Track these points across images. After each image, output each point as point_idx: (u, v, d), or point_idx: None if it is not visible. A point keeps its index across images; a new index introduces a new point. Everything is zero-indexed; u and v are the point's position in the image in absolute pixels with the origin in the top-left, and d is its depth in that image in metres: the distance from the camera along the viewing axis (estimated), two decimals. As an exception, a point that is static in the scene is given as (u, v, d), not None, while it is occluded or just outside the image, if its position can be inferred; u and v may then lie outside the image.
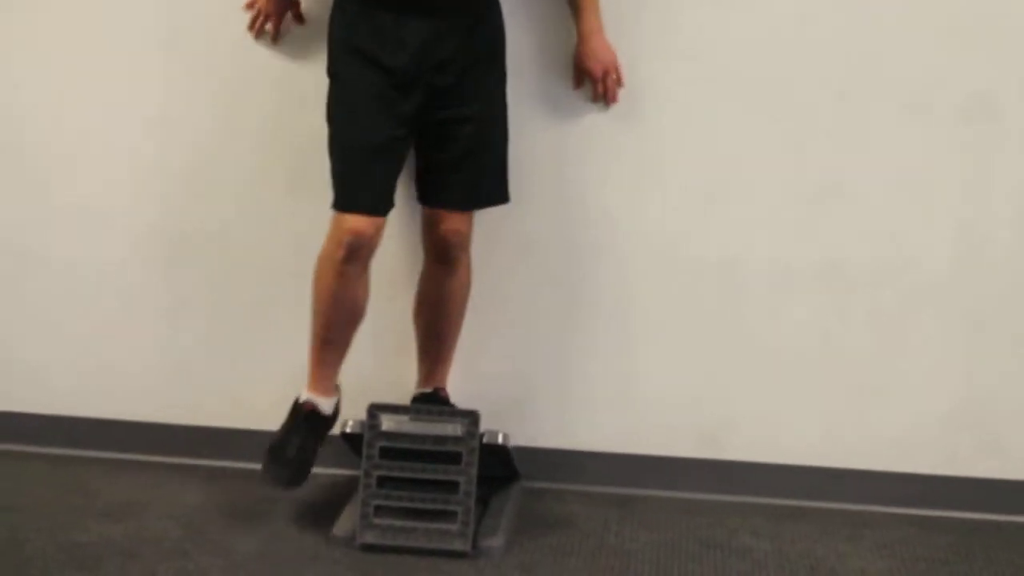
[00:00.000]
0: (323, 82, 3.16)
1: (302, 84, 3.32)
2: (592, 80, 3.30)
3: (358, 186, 3.10)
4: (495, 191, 3.24)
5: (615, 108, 3.33)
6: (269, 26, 3.35)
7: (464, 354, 3.37)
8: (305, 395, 3.19)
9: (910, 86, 3.30)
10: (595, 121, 3.35)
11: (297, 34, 3.37)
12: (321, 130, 3.14)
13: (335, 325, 3.17)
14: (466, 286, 3.31)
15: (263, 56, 3.38)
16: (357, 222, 3.07)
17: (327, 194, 3.12)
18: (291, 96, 3.37)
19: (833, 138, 3.33)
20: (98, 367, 3.53)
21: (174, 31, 3.41)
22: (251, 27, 3.36)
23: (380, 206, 3.11)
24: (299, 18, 3.36)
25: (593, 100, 3.33)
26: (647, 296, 3.42)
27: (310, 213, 3.28)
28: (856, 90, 3.31)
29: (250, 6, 3.36)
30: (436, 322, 3.33)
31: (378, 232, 3.11)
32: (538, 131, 3.34)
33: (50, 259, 3.50)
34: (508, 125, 3.21)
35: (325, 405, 3.20)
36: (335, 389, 3.23)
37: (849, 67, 3.31)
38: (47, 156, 3.48)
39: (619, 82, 3.29)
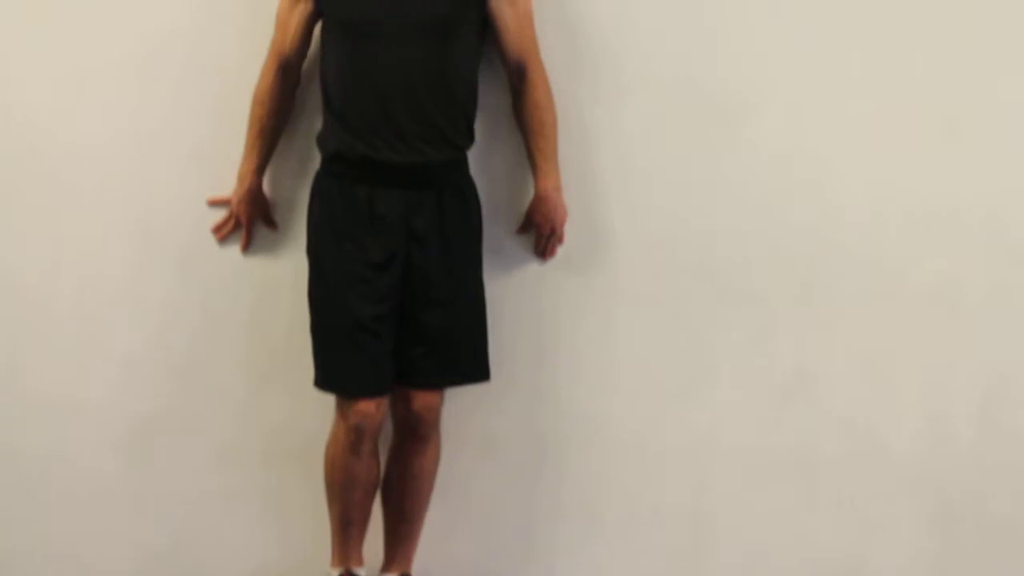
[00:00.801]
0: (295, 269, 3.23)
1: (279, 272, 3.36)
2: (537, 233, 3.34)
3: (356, 371, 3.14)
4: (473, 369, 3.24)
5: (584, 300, 3.38)
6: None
7: (430, 540, 3.35)
8: (335, 572, 3.23)
9: (875, 273, 3.37)
10: (564, 312, 3.39)
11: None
12: (295, 316, 3.19)
13: (356, 505, 3.22)
14: (436, 463, 3.31)
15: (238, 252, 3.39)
16: (363, 406, 3.13)
17: (300, 380, 3.14)
18: (267, 285, 3.39)
19: (799, 326, 3.38)
20: (65, 557, 3.47)
21: (145, 226, 3.40)
22: (217, 230, 3.36)
23: (383, 386, 3.15)
24: (271, 224, 3.36)
25: (533, 251, 3.37)
26: (613, 488, 3.43)
27: (284, 401, 3.31)
28: (821, 277, 3.37)
29: (216, 203, 3.36)
30: (405, 502, 3.31)
31: (383, 408, 3.16)
32: (505, 319, 3.36)
33: (22, 450, 3.46)
34: (485, 300, 3.23)
35: (362, 572, 3.25)
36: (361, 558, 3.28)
37: (814, 254, 3.37)
38: (16, 344, 3.45)
39: (560, 240, 3.34)
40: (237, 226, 3.36)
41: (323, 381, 3.19)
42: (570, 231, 3.33)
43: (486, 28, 3.18)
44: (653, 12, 3.33)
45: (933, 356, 3.40)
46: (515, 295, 3.37)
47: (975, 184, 3.36)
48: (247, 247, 3.37)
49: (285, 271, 3.35)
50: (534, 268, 3.38)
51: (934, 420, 3.41)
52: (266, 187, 3.33)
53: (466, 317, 3.20)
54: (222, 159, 3.32)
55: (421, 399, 3.21)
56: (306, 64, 3.26)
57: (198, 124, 3.35)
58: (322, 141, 3.19)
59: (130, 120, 3.37)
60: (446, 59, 3.09)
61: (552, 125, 3.25)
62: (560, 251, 3.35)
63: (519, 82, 3.23)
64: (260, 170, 3.30)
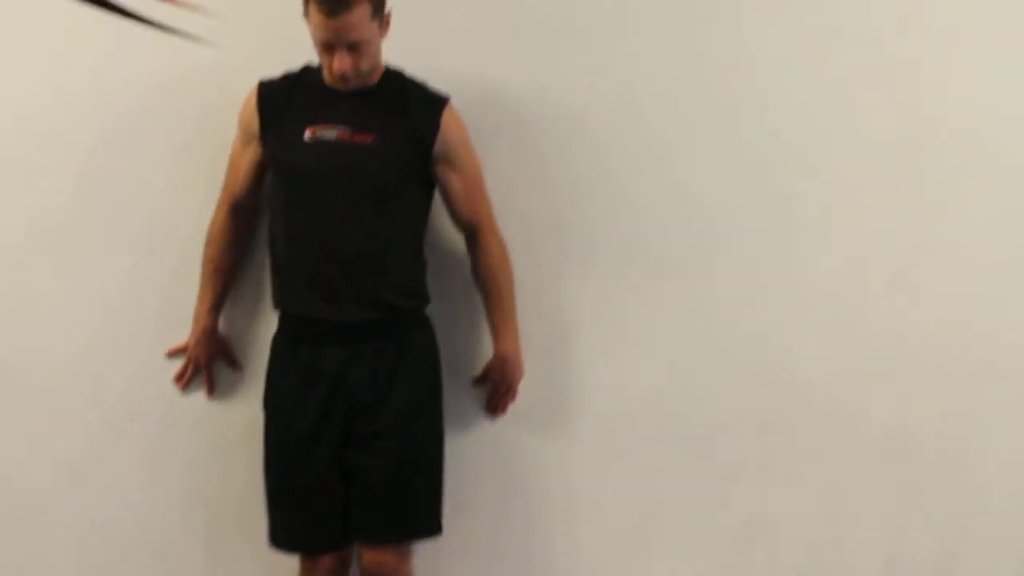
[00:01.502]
0: (248, 424, 3.23)
1: (229, 427, 3.33)
2: (492, 390, 3.32)
3: (306, 530, 3.13)
4: (419, 524, 3.17)
5: (542, 446, 3.37)
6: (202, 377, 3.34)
7: None
8: None
9: (831, 417, 3.38)
10: (523, 456, 3.38)
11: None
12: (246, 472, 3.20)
13: None
14: None
15: (190, 401, 3.36)
16: (321, 562, 3.14)
17: (251, 539, 3.15)
18: (217, 439, 3.36)
19: (758, 471, 3.39)
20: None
21: (98, 379, 3.38)
22: (179, 377, 3.33)
23: (337, 542, 3.15)
24: (234, 363, 3.34)
25: (484, 406, 3.35)
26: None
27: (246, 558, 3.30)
28: (778, 420, 3.38)
29: (174, 353, 3.34)
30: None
31: (348, 557, 3.17)
32: (466, 473, 3.35)
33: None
34: (441, 453, 3.19)
35: None
36: None
37: (769, 396, 3.38)
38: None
39: (513, 398, 3.32)
40: (197, 370, 3.32)
41: (274, 539, 3.18)
42: (532, 381, 3.34)
43: (432, 187, 3.18)
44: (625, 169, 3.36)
45: (891, 504, 3.40)
46: (474, 448, 3.35)
47: (927, 328, 3.39)
48: (212, 391, 3.33)
49: (242, 417, 3.32)
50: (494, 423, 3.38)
51: (892, 569, 3.40)
52: (224, 329, 3.31)
53: (412, 472, 3.14)
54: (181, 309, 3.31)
55: (370, 555, 3.16)
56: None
57: (162, 278, 3.35)
58: (272, 294, 3.19)
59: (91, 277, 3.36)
60: (383, 224, 3.09)
61: (508, 286, 3.24)
62: (522, 401, 3.34)
63: (472, 244, 3.24)
64: (215, 310, 3.28)
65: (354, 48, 2.98)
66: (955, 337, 3.38)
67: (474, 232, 3.22)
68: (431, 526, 3.19)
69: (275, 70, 3.18)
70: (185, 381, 3.33)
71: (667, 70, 3.35)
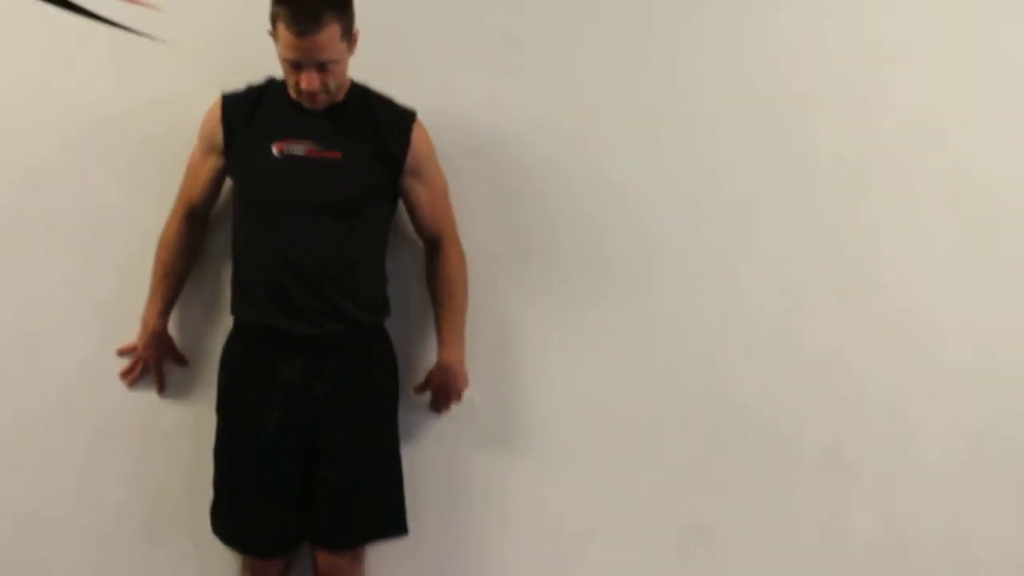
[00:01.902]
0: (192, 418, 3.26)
1: (168, 419, 3.34)
2: (433, 396, 3.35)
3: (255, 531, 3.16)
4: (384, 526, 3.22)
5: (496, 448, 3.42)
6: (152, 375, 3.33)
7: None
8: None
9: (771, 433, 3.46)
10: (479, 461, 3.43)
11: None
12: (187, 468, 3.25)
13: None
14: None
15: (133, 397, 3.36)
16: (263, 565, 3.19)
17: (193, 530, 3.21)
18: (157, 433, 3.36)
19: (698, 481, 3.46)
20: None
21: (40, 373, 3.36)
22: (125, 375, 3.32)
23: (284, 547, 3.20)
24: (180, 360, 3.33)
25: (429, 407, 3.39)
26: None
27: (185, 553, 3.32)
28: (721, 433, 3.45)
29: (123, 352, 3.32)
30: None
31: (296, 558, 3.20)
32: (420, 471, 3.38)
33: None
34: (399, 457, 3.23)
35: None
36: None
37: (713, 411, 3.45)
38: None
39: (457, 399, 3.35)
40: (146, 369, 3.31)
41: (224, 537, 3.21)
42: (481, 384, 3.39)
43: (397, 200, 3.20)
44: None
45: (828, 515, 3.49)
46: (422, 453, 3.40)
47: (869, 344, 3.48)
48: (163, 389, 3.33)
49: (187, 419, 3.33)
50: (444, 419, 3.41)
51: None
52: (174, 333, 3.32)
53: (371, 477, 3.18)
54: (126, 313, 3.30)
55: (325, 560, 3.21)
56: (216, 210, 3.25)
57: (104, 278, 3.33)
58: (231, 302, 3.19)
59: (33, 276, 3.34)
60: (348, 239, 3.09)
61: (462, 296, 3.27)
62: (471, 404, 3.39)
63: (433, 254, 3.26)
64: (164, 313, 3.26)
65: (322, 67, 2.97)
66: (896, 354, 3.48)
67: (437, 242, 3.24)
68: (398, 526, 3.24)
69: (233, 70, 3.18)
70: (132, 379, 3.32)
71: (619, 88, 3.41)
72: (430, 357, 3.33)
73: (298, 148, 3.07)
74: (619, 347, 3.45)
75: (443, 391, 3.34)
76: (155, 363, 3.31)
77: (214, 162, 3.15)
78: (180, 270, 3.24)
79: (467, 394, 3.37)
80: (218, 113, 3.12)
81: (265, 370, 3.11)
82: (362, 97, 3.14)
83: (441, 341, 3.28)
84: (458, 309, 3.27)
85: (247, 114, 3.10)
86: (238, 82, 3.17)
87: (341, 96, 3.10)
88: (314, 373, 3.11)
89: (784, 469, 3.47)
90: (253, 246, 3.10)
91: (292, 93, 3.05)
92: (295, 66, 2.97)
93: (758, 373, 3.46)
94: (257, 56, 3.11)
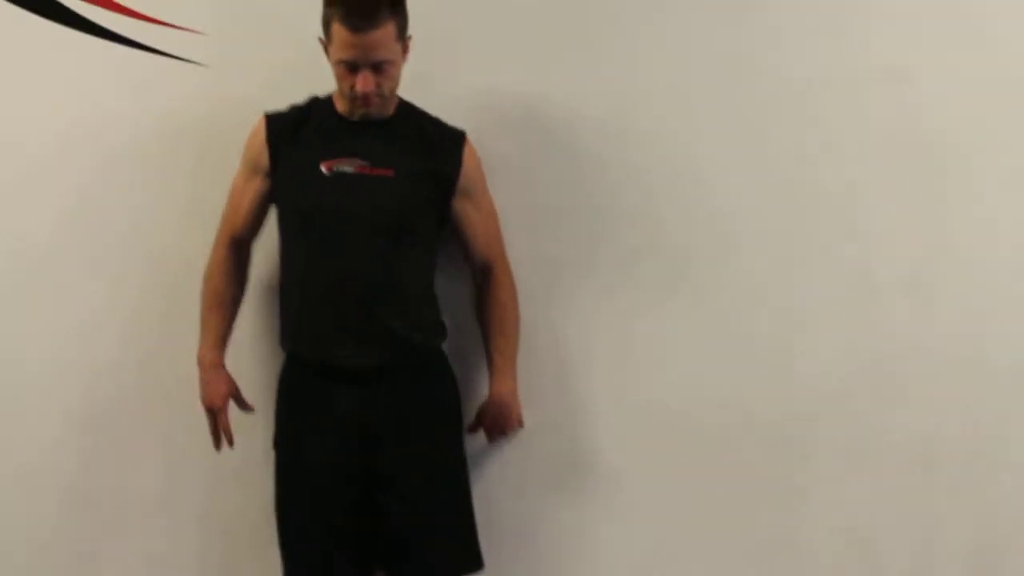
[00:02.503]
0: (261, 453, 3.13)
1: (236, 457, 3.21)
2: (487, 433, 3.22)
3: (331, 568, 3.01)
4: (452, 564, 3.09)
5: (563, 474, 3.30)
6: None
7: None
8: None
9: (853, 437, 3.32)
10: (548, 490, 3.31)
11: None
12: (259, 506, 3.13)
13: None
14: None
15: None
16: None
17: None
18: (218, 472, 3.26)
19: (776, 491, 3.34)
20: None
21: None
22: (216, 441, 3.10)
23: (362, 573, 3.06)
24: (244, 405, 3.14)
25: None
26: None
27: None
28: (796, 438, 3.33)
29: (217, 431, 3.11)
30: None
31: None
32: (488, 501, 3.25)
33: None
34: (468, 487, 3.12)
35: None
36: None
37: (790, 420, 3.32)
38: None
39: (512, 433, 3.24)
40: (215, 416, 3.11)
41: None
42: (541, 408, 3.27)
43: (446, 221, 3.09)
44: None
45: (916, 520, 3.36)
46: (492, 478, 3.28)
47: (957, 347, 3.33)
48: (231, 440, 3.11)
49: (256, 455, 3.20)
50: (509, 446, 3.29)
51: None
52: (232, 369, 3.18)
53: (439, 510, 3.07)
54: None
55: None
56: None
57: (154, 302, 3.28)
58: (281, 334, 3.08)
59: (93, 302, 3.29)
60: (400, 259, 2.99)
61: (514, 325, 3.16)
62: (536, 430, 3.27)
63: (483, 281, 3.15)
64: (218, 346, 3.11)
65: (378, 69, 2.89)
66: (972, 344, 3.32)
67: (488, 268, 3.14)
68: (472, 561, 3.11)
69: (274, 92, 3.10)
70: (222, 438, 3.10)
71: (683, 74, 3.28)
72: (481, 390, 3.22)
73: (348, 166, 2.98)
74: (692, 357, 3.32)
75: (496, 427, 3.22)
76: (222, 403, 3.10)
77: (258, 185, 3.06)
78: (229, 300, 3.12)
79: (529, 420, 3.25)
80: (263, 133, 3.03)
81: (321, 402, 3.00)
82: (411, 114, 3.05)
83: (493, 370, 3.17)
84: (510, 336, 3.16)
85: (292, 133, 3.02)
86: (280, 104, 3.09)
87: (391, 110, 3.01)
88: (369, 402, 3.00)
89: (872, 475, 3.32)
90: (306, 271, 3.00)
91: (342, 103, 2.97)
92: (350, 68, 2.89)
93: (838, 378, 3.31)
94: (300, 77, 3.06)
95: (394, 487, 3.01)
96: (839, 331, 3.31)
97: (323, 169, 2.97)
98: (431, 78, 3.12)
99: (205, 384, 3.11)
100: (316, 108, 3.04)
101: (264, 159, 3.03)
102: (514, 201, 3.22)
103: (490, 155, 3.15)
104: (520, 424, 3.22)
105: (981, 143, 3.28)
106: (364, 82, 2.88)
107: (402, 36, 2.91)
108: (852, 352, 3.31)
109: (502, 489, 3.28)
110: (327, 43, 2.91)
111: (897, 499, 3.33)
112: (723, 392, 3.31)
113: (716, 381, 3.31)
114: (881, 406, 3.32)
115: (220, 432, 3.10)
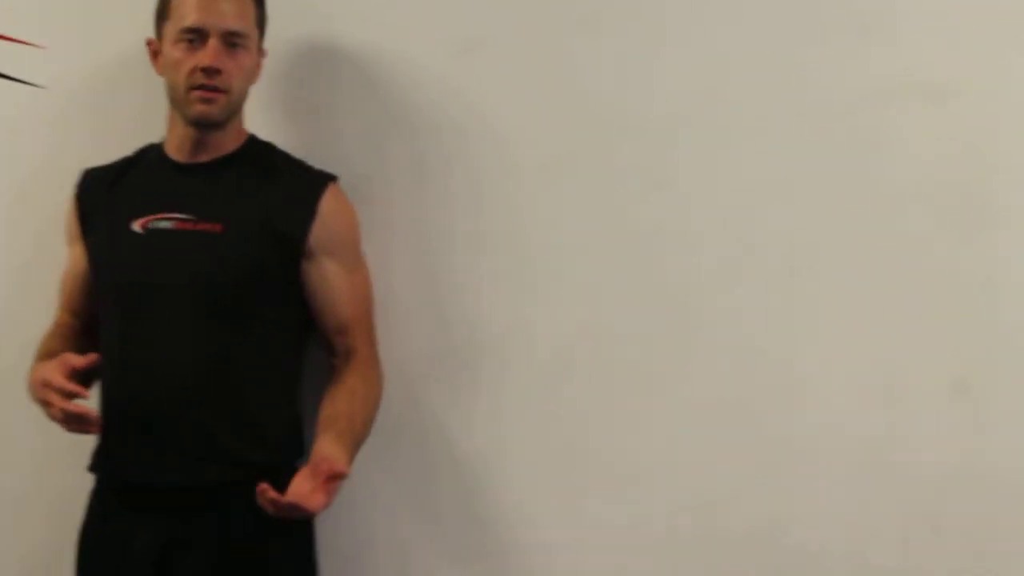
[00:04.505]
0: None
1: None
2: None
3: None
4: None
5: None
6: None
7: None
8: None
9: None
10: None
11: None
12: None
13: None
14: None
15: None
16: None
17: None
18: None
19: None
20: None
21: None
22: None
23: None
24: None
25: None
26: None
27: None
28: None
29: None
30: None
31: None
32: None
33: None
34: None
35: None
36: None
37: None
38: None
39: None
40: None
41: None
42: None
43: (298, 290, 2.39)
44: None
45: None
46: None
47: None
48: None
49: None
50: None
51: None
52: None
53: None
54: None
55: None
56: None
57: None
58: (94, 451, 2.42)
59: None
60: (233, 344, 2.32)
61: (361, 419, 2.32)
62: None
63: (341, 365, 2.39)
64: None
65: (230, 46, 2.34)
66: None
67: (349, 350, 2.39)
68: None
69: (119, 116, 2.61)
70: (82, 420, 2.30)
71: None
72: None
73: (167, 221, 2.34)
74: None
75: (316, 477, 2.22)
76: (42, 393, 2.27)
77: (79, 254, 2.47)
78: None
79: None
80: (74, 192, 2.48)
81: (119, 538, 2.32)
82: (260, 152, 2.43)
83: (320, 434, 2.28)
84: (352, 422, 2.31)
85: (108, 187, 2.44)
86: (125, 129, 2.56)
87: (231, 144, 2.40)
88: (181, 541, 2.29)
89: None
90: (112, 361, 2.33)
91: (176, 126, 2.40)
92: (198, 36, 2.33)
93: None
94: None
95: None
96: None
97: (135, 227, 2.35)
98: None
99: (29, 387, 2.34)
100: (145, 156, 2.47)
101: (75, 223, 2.47)
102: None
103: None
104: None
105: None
106: (213, 53, 2.32)
107: (260, 24, 2.41)
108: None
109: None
110: (161, 30, 2.37)
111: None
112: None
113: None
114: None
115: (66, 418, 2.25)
